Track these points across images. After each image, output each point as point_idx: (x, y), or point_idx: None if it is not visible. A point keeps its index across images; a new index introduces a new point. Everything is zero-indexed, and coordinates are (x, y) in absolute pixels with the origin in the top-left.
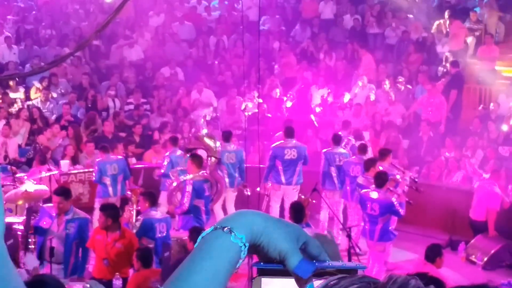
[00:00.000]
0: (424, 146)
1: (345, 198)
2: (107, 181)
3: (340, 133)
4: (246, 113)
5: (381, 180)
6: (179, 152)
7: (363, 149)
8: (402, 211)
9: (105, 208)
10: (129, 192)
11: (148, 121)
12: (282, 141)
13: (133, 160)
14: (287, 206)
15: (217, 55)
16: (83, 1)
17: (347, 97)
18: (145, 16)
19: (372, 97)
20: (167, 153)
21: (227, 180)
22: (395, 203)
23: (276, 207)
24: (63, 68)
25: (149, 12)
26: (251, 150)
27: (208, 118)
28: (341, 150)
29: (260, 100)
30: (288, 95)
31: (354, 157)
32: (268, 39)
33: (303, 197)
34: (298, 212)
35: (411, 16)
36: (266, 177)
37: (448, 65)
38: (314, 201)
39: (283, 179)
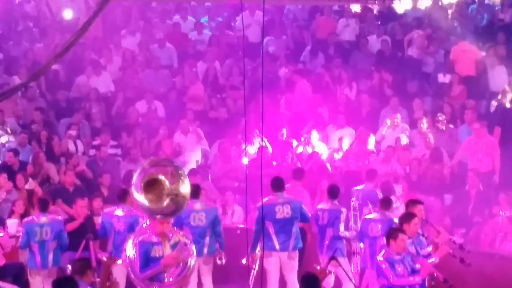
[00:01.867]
0: (471, 203)
1: (362, 263)
2: (35, 248)
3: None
4: (245, 161)
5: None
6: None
7: (386, 203)
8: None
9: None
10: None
11: (118, 169)
12: (271, 197)
13: (99, 220)
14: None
15: (207, 86)
16: (38, 17)
17: (372, 140)
18: (116, 36)
19: (405, 140)
20: (107, 210)
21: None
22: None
23: (275, 282)
24: (12, 101)
25: (121, 31)
26: (252, 207)
27: (195, 165)
28: (337, 206)
29: (264, 143)
30: (302, 138)
31: (376, 214)
32: (272, 66)
33: (318, 268)
34: (312, 286)
35: (453, 37)
36: (254, 245)
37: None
38: (332, 273)
39: (276, 244)
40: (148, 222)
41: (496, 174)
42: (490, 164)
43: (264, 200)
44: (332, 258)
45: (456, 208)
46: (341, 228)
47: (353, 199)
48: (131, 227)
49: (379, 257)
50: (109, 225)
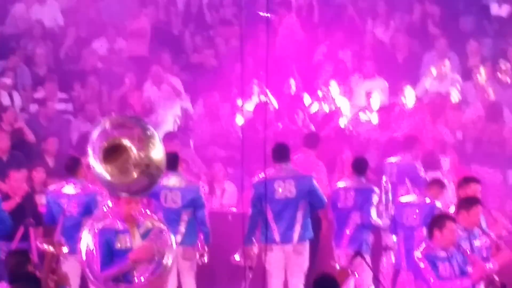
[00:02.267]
0: None
1: (396, 263)
2: None
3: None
4: (240, 121)
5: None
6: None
7: (435, 184)
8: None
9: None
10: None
11: (68, 131)
12: (271, 169)
13: (42, 199)
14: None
15: (189, 20)
16: None
17: (411, 95)
18: None
19: (455, 96)
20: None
21: None
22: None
23: (278, 286)
24: None
25: None
26: (248, 184)
27: (172, 127)
28: (362, 182)
29: (266, 98)
30: (319, 92)
31: (414, 196)
32: None
33: (338, 267)
34: None
35: None
36: (249, 236)
37: None
38: (357, 275)
39: (276, 234)
40: (110, 202)
41: None
42: None
43: (262, 174)
44: (357, 254)
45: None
46: (373, 213)
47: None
48: (87, 210)
49: (417, 253)
50: (57, 207)
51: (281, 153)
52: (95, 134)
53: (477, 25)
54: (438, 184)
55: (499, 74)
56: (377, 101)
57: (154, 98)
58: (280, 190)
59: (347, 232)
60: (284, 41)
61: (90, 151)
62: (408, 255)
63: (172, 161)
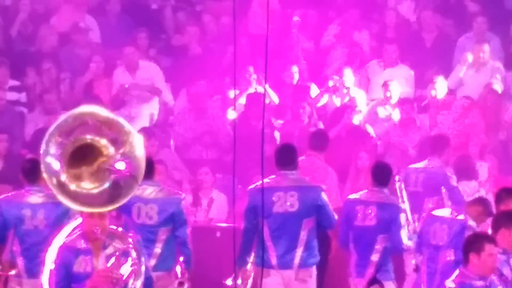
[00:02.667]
0: None
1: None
2: None
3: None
4: (232, 116)
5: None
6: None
7: (477, 205)
8: None
9: None
10: None
11: (21, 126)
12: (272, 176)
13: None
14: None
15: None
16: None
17: (442, 86)
18: None
19: (498, 87)
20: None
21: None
22: None
23: None
24: None
25: None
26: (241, 193)
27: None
28: (386, 196)
29: (265, 89)
30: (330, 82)
31: (447, 211)
32: None
33: None
34: None
35: None
36: (242, 256)
37: None
38: None
39: (273, 257)
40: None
41: None
42: None
43: (258, 183)
44: (375, 282)
45: None
46: (403, 236)
47: (398, 182)
48: (56, 222)
49: (449, 283)
50: (15, 219)
51: (286, 157)
52: (53, 130)
53: None
54: (482, 205)
55: None
56: (397, 92)
57: (128, 86)
58: (279, 202)
59: (374, 258)
60: (286, 18)
61: (45, 151)
62: (430, 281)
63: (147, 167)
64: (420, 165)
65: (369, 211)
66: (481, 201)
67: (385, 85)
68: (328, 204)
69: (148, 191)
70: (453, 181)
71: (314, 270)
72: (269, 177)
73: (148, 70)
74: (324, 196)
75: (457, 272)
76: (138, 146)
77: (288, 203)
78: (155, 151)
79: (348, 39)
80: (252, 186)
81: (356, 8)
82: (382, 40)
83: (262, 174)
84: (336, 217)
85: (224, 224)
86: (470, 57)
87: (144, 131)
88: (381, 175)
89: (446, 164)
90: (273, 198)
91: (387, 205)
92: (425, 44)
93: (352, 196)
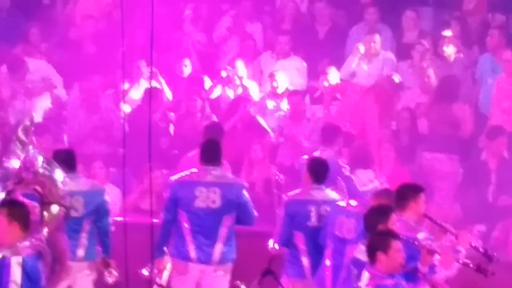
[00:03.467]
0: (493, 181)
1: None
2: None
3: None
4: (125, 110)
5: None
6: None
7: (384, 196)
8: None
9: None
10: None
11: None
12: (194, 170)
13: None
14: None
15: None
16: None
17: (334, 77)
18: None
19: (395, 79)
20: None
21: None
22: None
23: None
24: None
25: None
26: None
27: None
28: (328, 193)
29: (157, 83)
30: (223, 72)
31: (355, 203)
32: None
33: None
34: None
35: None
36: (160, 246)
37: None
38: None
39: (192, 250)
40: None
41: None
42: None
43: (181, 175)
44: (267, 273)
45: (470, 191)
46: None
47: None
48: None
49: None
50: None
51: (211, 153)
52: None
53: None
54: (388, 197)
55: (441, 51)
56: (283, 83)
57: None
58: (201, 197)
59: (328, 263)
60: (177, 11)
61: None
62: (336, 275)
63: (69, 160)
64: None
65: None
66: (387, 193)
67: (271, 76)
68: (249, 202)
69: (74, 183)
70: (346, 171)
71: (230, 266)
72: (191, 170)
73: (38, 65)
74: (245, 193)
75: (366, 275)
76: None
77: (210, 199)
78: (49, 147)
79: (241, 31)
80: (175, 177)
81: (248, 0)
82: (275, 31)
83: (150, 169)
84: (255, 214)
85: (119, 218)
86: (361, 48)
87: (37, 126)
88: (318, 171)
89: (338, 154)
90: (195, 193)
91: (332, 201)
92: (318, 35)
93: (297, 196)
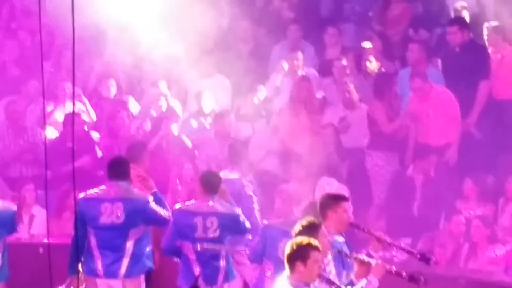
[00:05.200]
0: (418, 195)
1: None
2: None
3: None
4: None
5: None
6: None
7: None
8: None
9: None
10: None
11: None
12: (102, 187)
13: None
14: None
15: None
16: None
17: (262, 95)
18: None
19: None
20: None
21: None
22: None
23: None
24: None
25: None
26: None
27: None
28: (216, 205)
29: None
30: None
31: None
32: None
33: None
34: None
35: None
36: (72, 264)
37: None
38: None
39: (99, 266)
40: None
41: (453, 149)
42: (444, 134)
43: (90, 192)
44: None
45: (394, 204)
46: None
47: None
48: None
49: None
50: None
51: (117, 168)
52: None
53: (335, 8)
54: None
55: (368, 64)
56: (210, 103)
57: None
58: (106, 213)
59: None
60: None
61: None
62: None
63: None
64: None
65: (211, 222)
66: (313, 206)
67: (198, 95)
68: (156, 211)
69: None
70: (249, 191)
71: (142, 279)
72: (100, 187)
73: None
74: (152, 205)
75: (283, 281)
76: None
77: (114, 215)
78: None
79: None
80: (81, 195)
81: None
82: (199, 50)
83: (73, 188)
84: (167, 218)
85: (46, 240)
86: (285, 66)
87: None
88: (211, 183)
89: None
90: (101, 209)
91: (230, 214)
92: (242, 53)
93: (185, 207)
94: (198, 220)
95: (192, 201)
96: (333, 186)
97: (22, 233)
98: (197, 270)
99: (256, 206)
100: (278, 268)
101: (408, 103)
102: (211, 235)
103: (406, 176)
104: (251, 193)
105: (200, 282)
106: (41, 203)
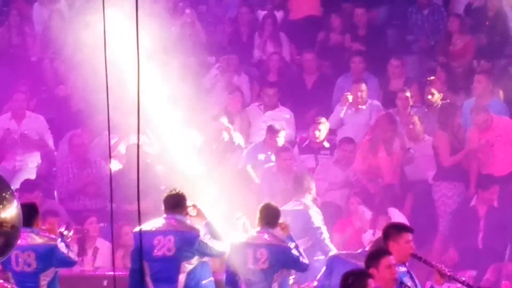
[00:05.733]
0: (482, 228)
1: None
2: None
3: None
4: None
5: None
6: None
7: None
8: None
9: None
10: None
11: None
12: (158, 220)
13: None
14: None
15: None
16: None
17: (325, 127)
18: None
19: None
20: None
21: None
22: None
23: None
24: None
25: None
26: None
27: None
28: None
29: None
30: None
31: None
32: None
33: None
34: None
35: None
36: None
37: None
38: None
39: None
40: None
41: None
42: (508, 163)
43: (144, 226)
44: None
45: (457, 237)
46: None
47: None
48: None
49: None
50: None
51: (170, 202)
52: None
53: (398, 38)
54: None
55: (429, 97)
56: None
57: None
58: (159, 245)
59: None
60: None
61: None
62: None
63: (29, 214)
64: (286, 207)
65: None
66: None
67: (272, 129)
68: (207, 244)
69: (27, 239)
70: (316, 221)
71: None
72: (156, 220)
73: (35, 120)
74: (203, 238)
75: None
76: (11, 201)
77: (165, 247)
78: (39, 203)
79: (229, 83)
80: (137, 229)
81: (234, 53)
82: (262, 83)
83: (139, 221)
84: (218, 248)
85: (110, 273)
86: (350, 97)
87: (28, 182)
88: (269, 216)
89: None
90: (154, 242)
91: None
92: (306, 85)
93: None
94: (250, 252)
95: (251, 233)
96: (395, 216)
97: (86, 266)
98: None
99: (326, 236)
100: None
101: (469, 136)
102: (260, 267)
103: (470, 207)
104: (319, 224)
105: None
106: (106, 235)
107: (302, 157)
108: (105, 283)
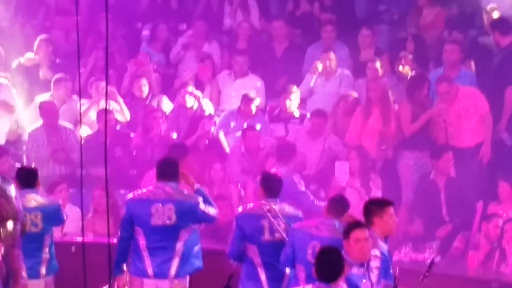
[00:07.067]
0: (443, 197)
1: None
2: None
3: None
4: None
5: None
6: None
7: (337, 205)
8: None
9: None
10: None
11: None
12: (150, 187)
13: None
14: None
15: None
16: None
17: (296, 96)
18: None
19: (354, 94)
20: None
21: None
22: None
23: None
24: None
25: None
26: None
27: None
28: (286, 208)
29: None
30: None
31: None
32: None
33: None
34: None
35: None
36: (118, 264)
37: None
38: None
39: (148, 267)
40: None
41: (486, 147)
42: (478, 133)
43: (138, 192)
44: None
45: (420, 205)
46: None
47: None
48: None
49: None
50: None
51: (166, 169)
52: None
53: (369, 10)
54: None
55: (398, 69)
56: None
57: None
58: (157, 214)
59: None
60: (135, 32)
61: None
62: None
63: (29, 178)
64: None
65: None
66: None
67: (247, 97)
68: (205, 212)
69: (33, 201)
70: (301, 187)
71: (187, 279)
72: (148, 188)
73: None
74: (201, 206)
75: None
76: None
77: (166, 216)
78: (8, 169)
79: (198, 51)
80: (130, 195)
81: (205, 20)
82: (232, 51)
83: (106, 189)
84: (214, 212)
85: (79, 239)
86: (319, 66)
87: None
88: (273, 186)
89: (292, 171)
90: (151, 210)
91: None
92: (276, 53)
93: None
94: (265, 223)
95: (250, 204)
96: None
97: (55, 232)
98: (262, 276)
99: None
100: (309, 272)
101: (435, 106)
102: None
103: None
104: (303, 189)
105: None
106: (75, 201)
107: (272, 125)
108: (73, 249)
